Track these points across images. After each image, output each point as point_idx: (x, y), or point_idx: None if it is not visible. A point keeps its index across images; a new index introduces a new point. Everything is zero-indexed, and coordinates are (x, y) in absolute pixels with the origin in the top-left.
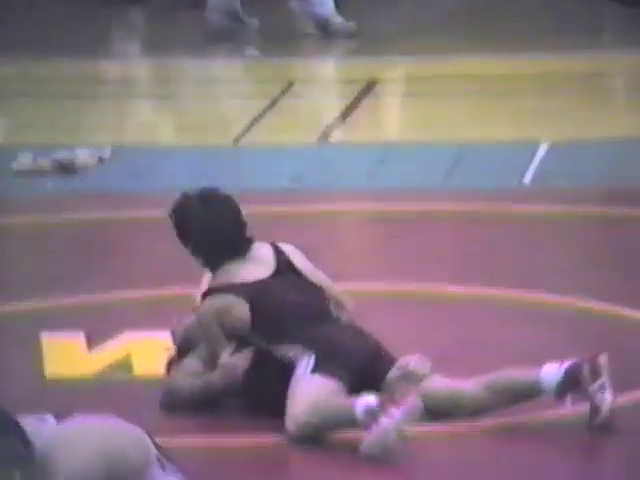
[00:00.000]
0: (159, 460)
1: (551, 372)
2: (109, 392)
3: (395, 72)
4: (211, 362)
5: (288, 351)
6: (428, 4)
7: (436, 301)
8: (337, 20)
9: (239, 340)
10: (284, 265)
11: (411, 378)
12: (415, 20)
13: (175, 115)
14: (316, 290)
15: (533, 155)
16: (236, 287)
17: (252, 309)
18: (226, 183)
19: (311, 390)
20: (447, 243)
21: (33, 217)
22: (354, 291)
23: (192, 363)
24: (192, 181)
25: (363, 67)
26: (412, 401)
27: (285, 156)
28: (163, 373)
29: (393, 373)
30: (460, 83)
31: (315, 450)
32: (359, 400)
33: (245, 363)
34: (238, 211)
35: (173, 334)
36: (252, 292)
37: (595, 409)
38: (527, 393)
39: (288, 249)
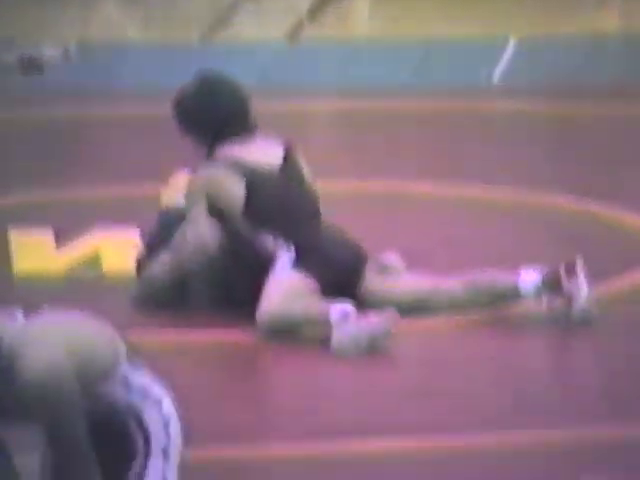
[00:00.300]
0: (129, 357)
1: (529, 276)
2: (78, 288)
3: None
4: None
5: (269, 243)
6: None
7: (406, 199)
8: None
9: (223, 223)
10: (291, 161)
11: (388, 273)
12: None
13: (141, 11)
14: (314, 194)
15: (502, 51)
16: (235, 164)
17: (247, 192)
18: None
19: (288, 285)
20: (415, 141)
21: (0, 114)
22: (322, 188)
23: (167, 256)
24: (158, 78)
25: None
26: (389, 316)
27: (252, 53)
28: (132, 270)
29: (370, 268)
30: None
31: (284, 346)
32: (336, 305)
33: (215, 242)
34: (240, 88)
35: (142, 231)
36: (251, 174)
37: (571, 301)
38: (505, 295)
39: (296, 148)
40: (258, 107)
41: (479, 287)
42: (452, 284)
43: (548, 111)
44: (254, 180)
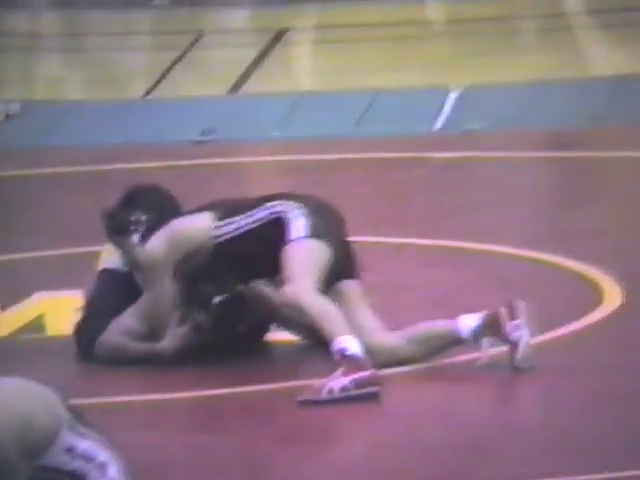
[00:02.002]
0: (71, 424)
1: (468, 319)
2: (21, 352)
3: (305, 20)
4: (154, 320)
5: (276, 207)
6: None
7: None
8: None
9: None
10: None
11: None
12: None
13: (84, 69)
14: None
15: (443, 101)
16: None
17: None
18: (137, 137)
19: (313, 256)
20: (360, 191)
21: None
22: None
23: (127, 321)
24: (103, 136)
25: (272, 16)
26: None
27: (196, 109)
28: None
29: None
30: (370, 30)
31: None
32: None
33: (196, 334)
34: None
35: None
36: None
37: (513, 346)
38: (447, 341)
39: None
40: (200, 163)
41: (419, 338)
42: (395, 338)
43: (489, 157)
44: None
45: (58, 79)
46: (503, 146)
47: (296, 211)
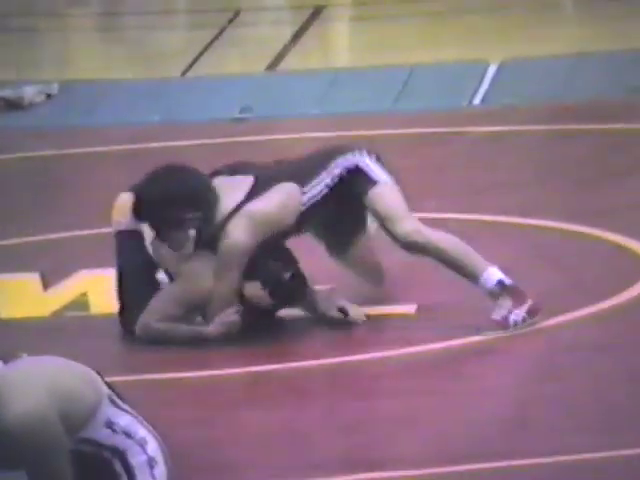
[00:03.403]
0: (111, 399)
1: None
2: (66, 330)
3: None
4: (199, 305)
5: (348, 159)
6: None
7: None
8: None
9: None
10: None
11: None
12: None
13: (122, 48)
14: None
15: (483, 75)
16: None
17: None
18: (176, 116)
19: (401, 197)
20: (400, 166)
21: None
22: None
23: (166, 306)
24: (141, 115)
25: None
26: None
27: (234, 86)
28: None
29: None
30: (406, 6)
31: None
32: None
33: (239, 318)
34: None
35: None
36: None
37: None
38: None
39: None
40: (240, 140)
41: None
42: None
43: (531, 132)
44: None
45: (97, 59)
46: (541, 119)
47: (366, 158)
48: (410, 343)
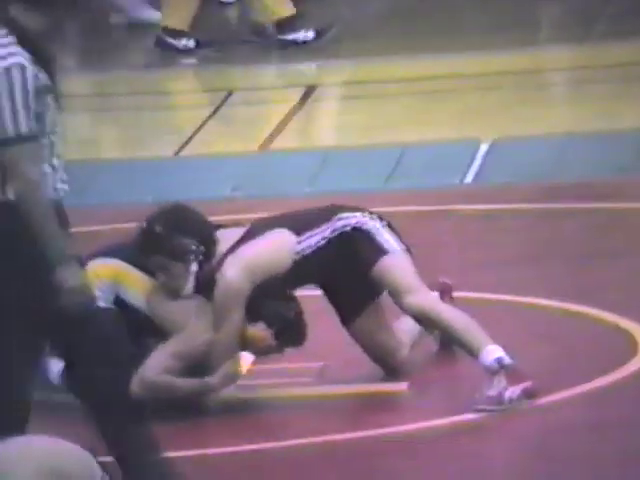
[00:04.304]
0: (104, 478)
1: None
2: (56, 409)
3: (333, 76)
4: (200, 357)
5: (351, 218)
6: (358, 7)
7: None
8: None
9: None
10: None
11: None
12: (349, 24)
13: (115, 128)
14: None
15: (475, 154)
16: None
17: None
18: (168, 195)
19: (413, 269)
20: None
21: None
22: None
23: (164, 359)
24: (134, 194)
25: (301, 72)
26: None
27: (226, 165)
28: None
29: None
30: (399, 85)
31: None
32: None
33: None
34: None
35: None
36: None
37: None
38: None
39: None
40: (231, 219)
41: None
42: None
43: (522, 210)
44: None
45: (89, 139)
46: (533, 198)
47: (373, 222)
48: (403, 421)
